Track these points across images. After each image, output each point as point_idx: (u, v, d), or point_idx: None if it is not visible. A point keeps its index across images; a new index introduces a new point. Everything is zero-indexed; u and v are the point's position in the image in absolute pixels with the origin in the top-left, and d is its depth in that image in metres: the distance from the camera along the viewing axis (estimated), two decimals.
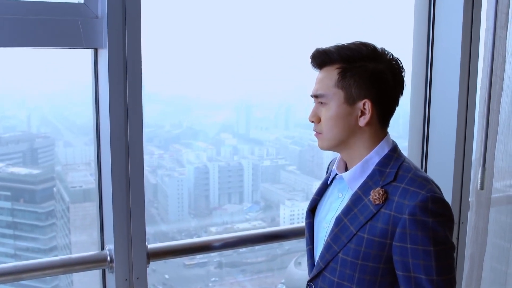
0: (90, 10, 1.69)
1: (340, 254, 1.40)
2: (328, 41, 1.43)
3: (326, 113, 1.41)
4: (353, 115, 1.39)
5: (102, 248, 1.88)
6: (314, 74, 1.46)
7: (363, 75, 1.36)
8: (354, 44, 1.39)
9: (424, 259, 1.30)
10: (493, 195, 2.30)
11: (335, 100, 1.39)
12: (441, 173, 2.30)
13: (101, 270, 1.91)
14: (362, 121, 1.38)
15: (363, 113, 1.38)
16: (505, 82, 2.19)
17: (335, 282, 1.42)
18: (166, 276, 8.30)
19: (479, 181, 2.18)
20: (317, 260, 1.47)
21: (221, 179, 9.80)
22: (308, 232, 1.57)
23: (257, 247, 7.64)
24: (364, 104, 1.37)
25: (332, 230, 1.42)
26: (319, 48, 1.41)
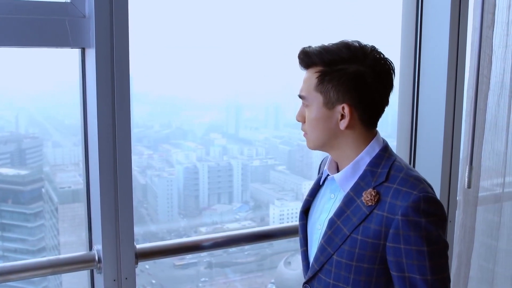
0: (77, 9, 1.69)
1: (334, 256, 1.40)
2: (317, 40, 1.43)
3: (309, 115, 1.42)
4: (333, 118, 1.39)
5: (90, 248, 1.87)
6: (303, 73, 1.47)
7: (342, 79, 1.36)
8: (336, 45, 1.38)
9: (417, 259, 1.30)
10: (480, 194, 2.32)
11: (315, 103, 1.40)
12: (429, 172, 2.31)
13: (89, 271, 1.90)
14: (342, 125, 1.39)
15: (343, 117, 1.38)
16: (492, 81, 2.21)
17: (330, 283, 1.42)
18: (146, 266, 8.26)
19: (466, 179, 2.20)
20: (312, 262, 1.48)
21: (211, 179, 9.76)
22: (302, 233, 1.57)
23: (246, 247, 7.64)
24: (343, 108, 1.37)
25: (326, 232, 1.42)
26: (304, 49, 1.41)
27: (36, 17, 1.64)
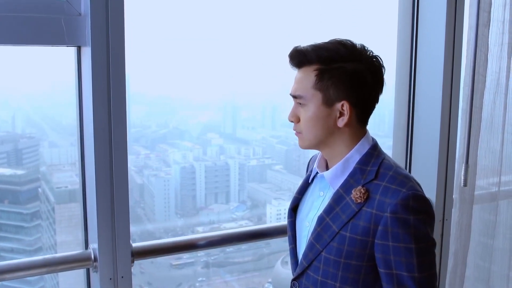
0: (73, 7, 1.68)
1: (323, 253, 1.41)
2: (313, 40, 1.43)
3: (305, 114, 1.41)
4: (332, 116, 1.39)
5: (86, 247, 1.87)
6: None
7: (341, 77, 1.36)
8: (331, 43, 1.38)
9: (405, 256, 1.31)
10: (476, 192, 2.33)
11: (313, 101, 1.39)
12: (425, 170, 2.32)
13: (85, 270, 1.90)
14: (341, 122, 1.39)
15: (341, 114, 1.39)
16: (488, 80, 2.21)
17: (318, 280, 1.43)
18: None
19: (462, 178, 2.20)
20: (301, 259, 1.48)
21: (208, 178, 9.76)
22: (290, 231, 1.58)
23: (243, 247, 7.64)
24: (342, 105, 1.38)
25: (315, 229, 1.43)
26: (296, 47, 1.41)
27: (31, 15, 1.63)
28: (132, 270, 1.82)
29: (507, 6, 2.19)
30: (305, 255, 1.46)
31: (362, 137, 1.43)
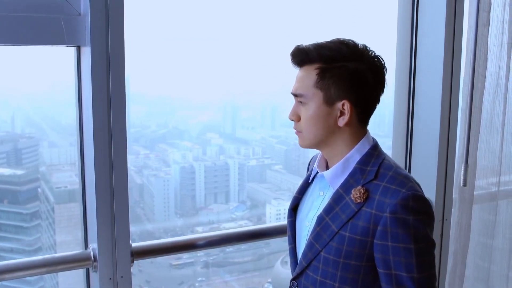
0: (73, 7, 1.68)
1: (322, 253, 1.40)
2: (313, 40, 1.43)
3: (306, 113, 1.41)
4: (332, 115, 1.39)
5: (86, 247, 1.87)
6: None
7: (343, 76, 1.36)
8: (333, 43, 1.38)
9: (404, 256, 1.31)
10: (476, 192, 2.33)
11: (314, 100, 1.39)
12: (425, 170, 2.32)
13: (85, 270, 1.90)
14: (341, 122, 1.39)
15: (342, 114, 1.38)
16: (487, 80, 2.21)
17: (317, 280, 1.43)
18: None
19: (462, 178, 2.20)
20: (300, 259, 1.48)
21: (207, 178, 9.77)
22: (290, 230, 1.58)
23: (243, 247, 7.64)
24: (343, 105, 1.37)
25: (314, 229, 1.43)
26: (298, 46, 1.41)
27: (31, 15, 1.63)
28: (131, 270, 1.83)
29: (507, 6, 2.18)
30: (304, 254, 1.45)
31: (363, 137, 1.43)
